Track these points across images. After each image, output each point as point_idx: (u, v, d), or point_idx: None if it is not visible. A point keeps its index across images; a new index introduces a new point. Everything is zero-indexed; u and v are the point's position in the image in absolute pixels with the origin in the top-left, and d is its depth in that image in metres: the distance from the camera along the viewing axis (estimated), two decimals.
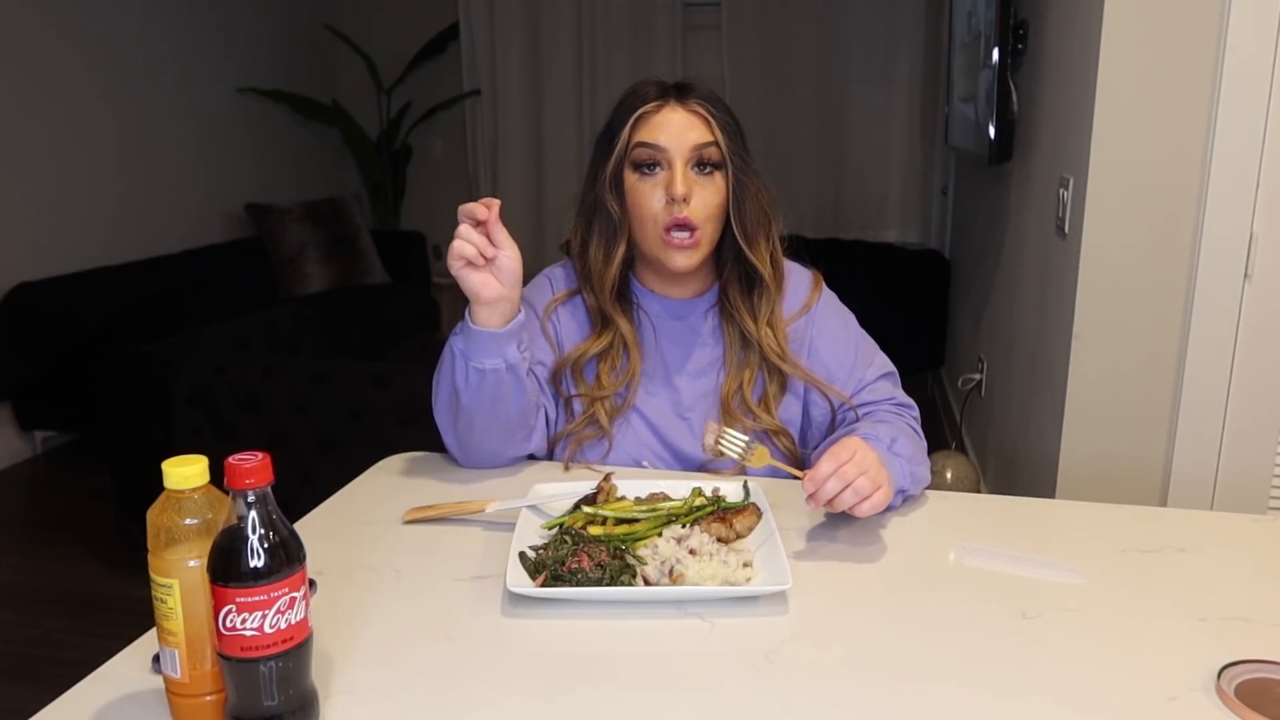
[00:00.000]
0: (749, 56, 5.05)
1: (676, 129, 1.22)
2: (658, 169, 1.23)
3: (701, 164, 1.23)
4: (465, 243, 1.12)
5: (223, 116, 4.68)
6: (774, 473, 1.26)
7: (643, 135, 1.23)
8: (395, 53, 5.26)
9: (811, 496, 1.04)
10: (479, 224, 1.14)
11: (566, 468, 1.30)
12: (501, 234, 1.15)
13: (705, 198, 1.23)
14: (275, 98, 4.92)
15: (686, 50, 5.14)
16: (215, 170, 4.63)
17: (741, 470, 1.26)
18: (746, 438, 1.13)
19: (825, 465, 1.03)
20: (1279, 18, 1.70)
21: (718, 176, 1.24)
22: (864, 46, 4.92)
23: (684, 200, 1.21)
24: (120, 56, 4.07)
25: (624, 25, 5.11)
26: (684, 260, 1.24)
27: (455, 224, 1.15)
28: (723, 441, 1.12)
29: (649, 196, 1.23)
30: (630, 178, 1.25)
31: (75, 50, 3.84)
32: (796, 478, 1.09)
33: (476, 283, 1.13)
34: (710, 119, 1.22)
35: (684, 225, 1.22)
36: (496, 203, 1.14)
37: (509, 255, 1.15)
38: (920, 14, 4.81)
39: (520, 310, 1.19)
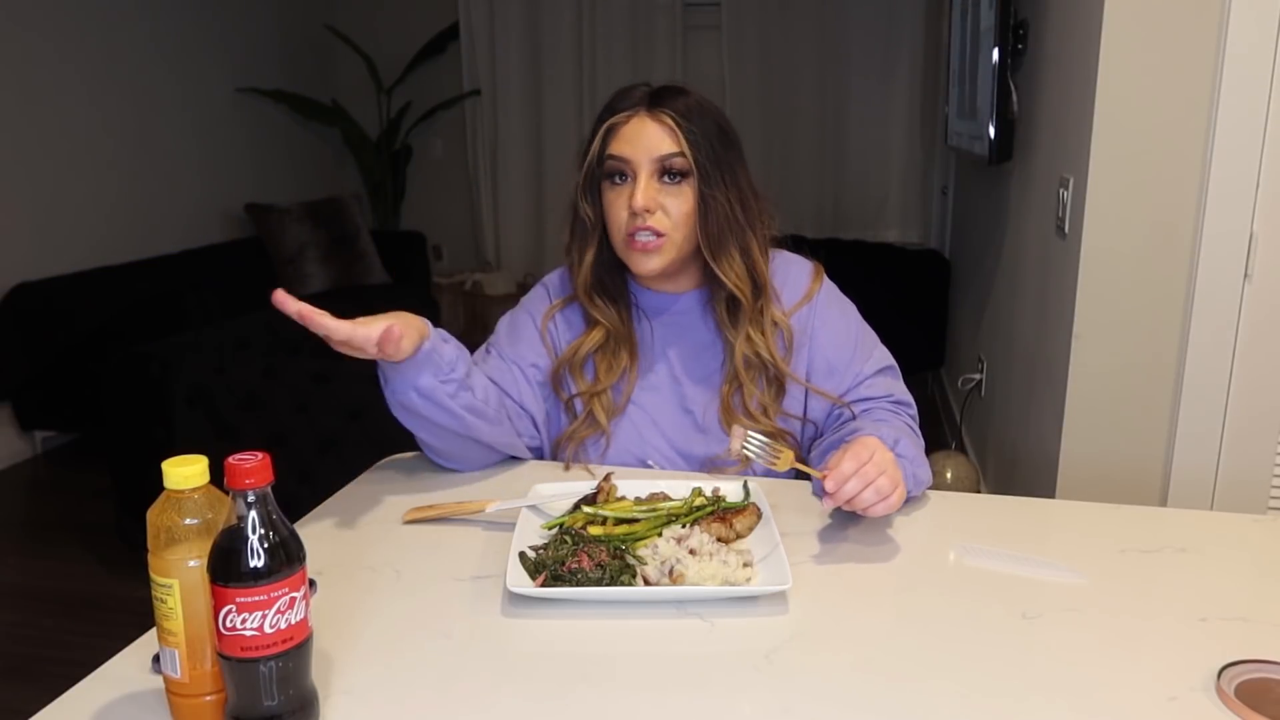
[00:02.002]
0: (749, 57, 5.05)
1: (643, 142, 1.22)
2: (626, 179, 1.24)
3: (670, 173, 1.23)
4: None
5: (223, 116, 4.68)
6: (774, 471, 1.26)
7: (611, 148, 1.24)
8: (395, 53, 5.26)
9: (831, 495, 1.03)
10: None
11: (567, 467, 1.30)
12: (330, 323, 1.04)
13: (672, 206, 1.23)
14: (275, 98, 4.92)
15: (686, 50, 5.14)
16: (215, 170, 4.63)
17: (743, 469, 1.26)
18: (771, 441, 1.12)
19: (848, 464, 1.03)
20: (1279, 18, 1.70)
21: (685, 185, 1.24)
22: (864, 47, 4.92)
23: (645, 212, 1.21)
24: (120, 56, 4.07)
25: (624, 25, 5.11)
26: (646, 264, 1.25)
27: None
28: (749, 446, 1.11)
29: (616, 206, 1.25)
30: (604, 186, 1.26)
31: (75, 50, 3.84)
32: (818, 478, 1.07)
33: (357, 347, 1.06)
34: (677, 129, 1.22)
35: (647, 233, 1.23)
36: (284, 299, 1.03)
37: (347, 331, 1.05)
38: (920, 14, 4.81)
39: (428, 337, 1.14)
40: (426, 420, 1.18)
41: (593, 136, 1.26)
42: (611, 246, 1.29)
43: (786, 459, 1.11)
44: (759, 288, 1.30)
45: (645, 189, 1.21)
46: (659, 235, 1.23)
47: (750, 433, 1.12)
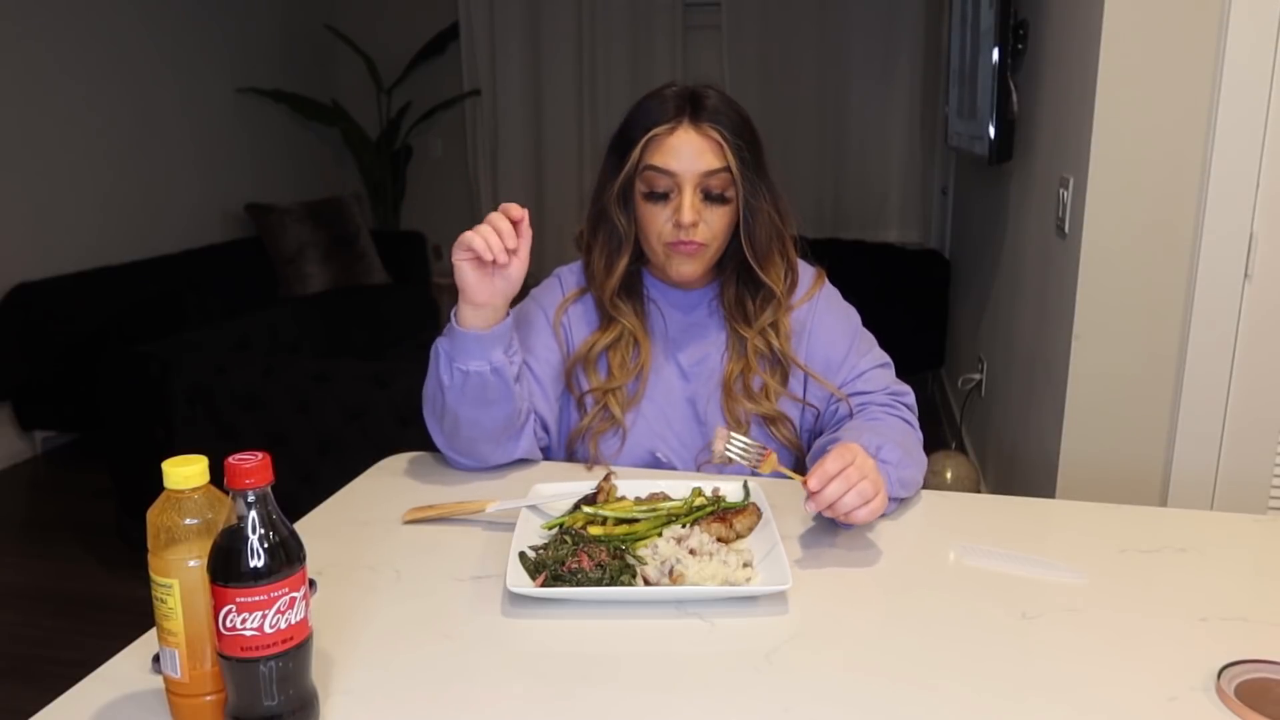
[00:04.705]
0: (749, 56, 5.05)
1: (688, 155, 1.22)
2: (670, 195, 1.23)
3: (711, 194, 1.23)
4: (480, 237, 1.12)
5: (222, 116, 4.68)
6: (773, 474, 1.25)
7: (654, 159, 1.23)
8: (395, 53, 5.26)
9: (814, 496, 1.03)
10: (513, 223, 1.14)
11: (589, 468, 1.30)
12: (525, 244, 1.16)
13: (713, 221, 1.24)
14: (275, 98, 4.92)
15: (686, 50, 5.14)
16: (215, 170, 4.63)
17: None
18: (756, 443, 1.13)
19: (832, 463, 1.02)
20: (1279, 18, 1.70)
21: (728, 202, 1.25)
22: (864, 46, 4.92)
23: (691, 226, 1.22)
24: (120, 56, 4.07)
25: (624, 25, 5.11)
26: (688, 268, 1.27)
27: (454, 224, 1.16)
28: (731, 447, 1.11)
29: (657, 218, 1.25)
30: (640, 197, 1.26)
31: (76, 50, 3.84)
32: (799, 481, 1.08)
33: (473, 281, 1.14)
34: (724, 144, 1.22)
35: (689, 243, 1.24)
36: (525, 211, 1.15)
37: (519, 267, 1.16)
38: (920, 14, 4.81)
39: (508, 316, 1.20)
40: (484, 399, 1.19)
41: (627, 143, 1.25)
42: (637, 247, 1.31)
43: (770, 462, 1.11)
44: (794, 286, 1.33)
45: (692, 203, 1.22)
46: (700, 245, 1.25)
47: (733, 435, 1.12)
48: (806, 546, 1.07)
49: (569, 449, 1.35)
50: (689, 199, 1.22)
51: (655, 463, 1.32)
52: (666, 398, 1.33)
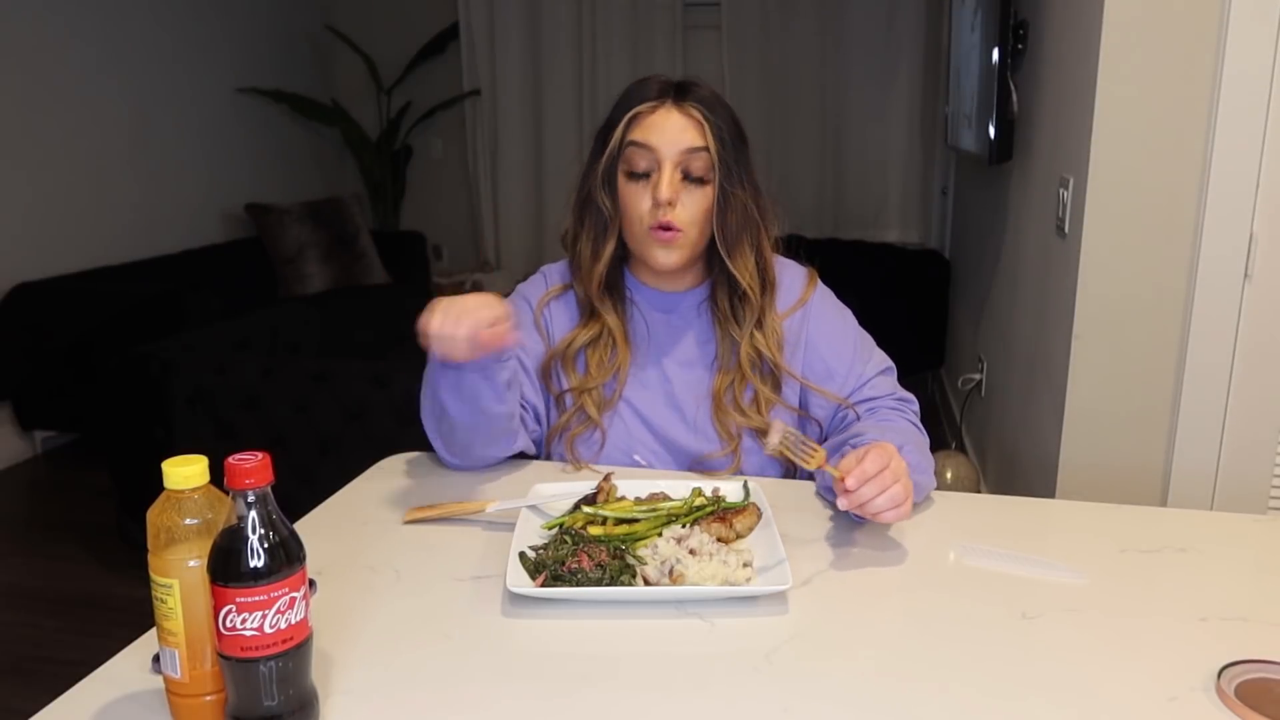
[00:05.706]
0: (749, 56, 5.04)
1: (670, 131, 1.22)
2: (650, 174, 1.23)
3: (691, 174, 1.23)
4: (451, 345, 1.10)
5: (223, 116, 4.68)
6: (767, 471, 1.26)
7: (635, 135, 1.23)
8: (395, 53, 5.26)
9: (848, 494, 1.02)
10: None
11: (577, 468, 1.30)
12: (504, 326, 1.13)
13: (691, 204, 1.24)
14: (275, 98, 4.92)
15: (686, 50, 5.14)
16: (215, 170, 4.63)
17: (736, 468, 1.26)
18: (809, 440, 1.12)
19: (871, 464, 1.02)
20: (1279, 18, 1.70)
21: (706, 185, 1.24)
22: (864, 47, 4.91)
23: (669, 204, 1.21)
24: (120, 56, 4.07)
25: (624, 25, 5.11)
26: (666, 257, 1.25)
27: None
28: (787, 444, 1.11)
29: (638, 198, 1.24)
30: (622, 177, 1.25)
31: (76, 50, 3.84)
32: (838, 478, 1.07)
33: (461, 352, 1.11)
34: (705, 123, 1.22)
35: (667, 227, 1.23)
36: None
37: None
38: (920, 14, 4.81)
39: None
40: (476, 400, 1.18)
41: (610, 125, 1.25)
42: (621, 241, 1.30)
43: (819, 459, 1.10)
44: (767, 285, 1.30)
45: (670, 180, 1.21)
46: (678, 231, 1.23)
47: (788, 429, 1.11)
48: (807, 546, 1.07)
49: (546, 448, 1.35)
50: (668, 175, 1.21)
51: (634, 467, 1.31)
52: (646, 402, 1.32)
